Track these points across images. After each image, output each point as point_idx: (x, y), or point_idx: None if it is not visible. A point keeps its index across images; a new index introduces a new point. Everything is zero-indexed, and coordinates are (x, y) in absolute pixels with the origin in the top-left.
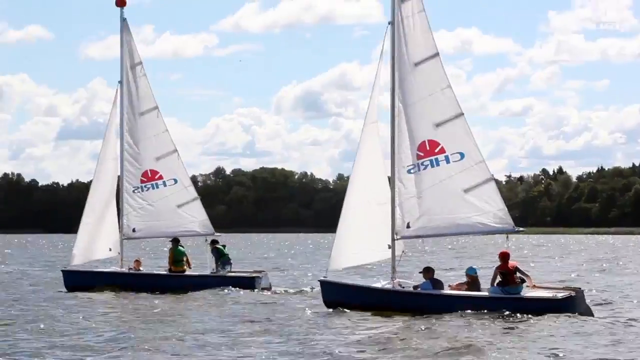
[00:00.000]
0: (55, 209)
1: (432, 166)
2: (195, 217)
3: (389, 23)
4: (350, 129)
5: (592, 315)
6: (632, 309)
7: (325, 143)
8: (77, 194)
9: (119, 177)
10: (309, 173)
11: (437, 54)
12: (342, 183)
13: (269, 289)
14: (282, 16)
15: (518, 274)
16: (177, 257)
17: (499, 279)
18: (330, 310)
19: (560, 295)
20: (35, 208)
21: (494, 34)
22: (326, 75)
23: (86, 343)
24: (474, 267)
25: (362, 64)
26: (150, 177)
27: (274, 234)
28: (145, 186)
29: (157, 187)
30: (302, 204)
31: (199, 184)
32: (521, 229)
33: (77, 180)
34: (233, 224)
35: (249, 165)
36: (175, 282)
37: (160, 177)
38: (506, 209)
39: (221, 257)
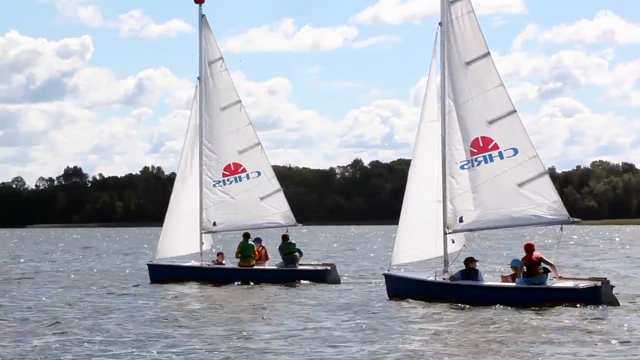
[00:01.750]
0: None
1: (486, 162)
2: (278, 209)
3: (439, 24)
4: None
5: (618, 304)
6: None
7: None
8: None
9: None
10: None
11: (488, 54)
12: None
13: (337, 282)
14: (422, 7)
15: (542, 265)
16: (245, 252)
17: (524, 270)
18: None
19: (582, 285)
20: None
21: (637, 23)
22: None
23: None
24: (517, 259)
25: (501, 55)
26: (233, 171)
27: None
28: (227, 180)
29: (240, 180)
30: None
31: (337, 176)
32: (576, 219)
33: None
34: (370, 215)
35: (387, 157)
36: (255, 275)
37: (244, 170)
38: (561, 200)
39: (286, 254)
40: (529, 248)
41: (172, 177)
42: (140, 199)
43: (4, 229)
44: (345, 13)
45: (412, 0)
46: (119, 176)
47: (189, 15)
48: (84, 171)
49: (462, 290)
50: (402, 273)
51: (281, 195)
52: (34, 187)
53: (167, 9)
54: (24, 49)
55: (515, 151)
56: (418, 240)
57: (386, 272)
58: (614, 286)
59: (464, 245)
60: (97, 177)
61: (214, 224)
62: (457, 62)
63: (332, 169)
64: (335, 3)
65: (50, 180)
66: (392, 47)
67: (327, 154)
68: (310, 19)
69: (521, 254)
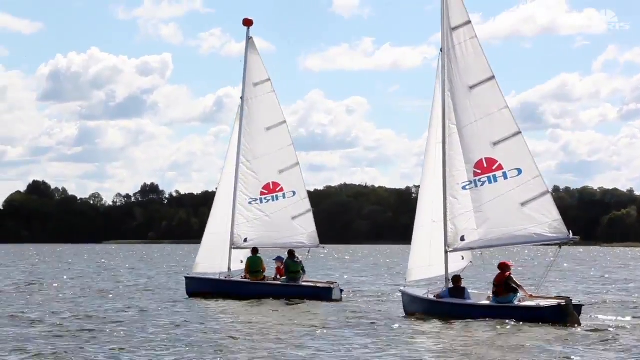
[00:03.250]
0: None
1: (490, 182)
2: (305, 230)
3: (440, 50)
4: (568, 140)
5: (579, 324)
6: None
7: (543, 155)
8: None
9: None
10: None
11: (492, 77)
12: (558, 195)
13: (339, 300)
14: (502, 28)
15: (512, 284)
16: (253, 267)
17: (493, 289)
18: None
19: (544, 303)
20: None
21: None
22: (545, 86)
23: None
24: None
25: (582, 75)
26: (271, 189)
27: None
28: (265, 198)
29: (277, 199)
30: None
31: (413, 195)
32: (576, 237)
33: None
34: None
35: None
36: (260, 290)
37: (281, 190)
38: (561, 219)
39: (290, 272)
40: (501, 267)
41: None
42: None
43: (80, 244)
44: (425, 32)
45: (492, 20)
46: (195, 193)
47: (269, 33)
48: (161, 188)
49: (444, 307)
50: (410, 290)
51: (310, 216)
52: (111, 204)
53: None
54: (105, 66)
55: (520, 171)
56: (428, 257)
57: (401, 289)
58: (582, 305)
59: (470, 262)
60: (174, 194)
61: (245, 240)
62: (460, 87)
63: (408, 188)
64: (415, 22)
65: (127, 196)
66: None
67: (403, 173)
68: (390, 37)
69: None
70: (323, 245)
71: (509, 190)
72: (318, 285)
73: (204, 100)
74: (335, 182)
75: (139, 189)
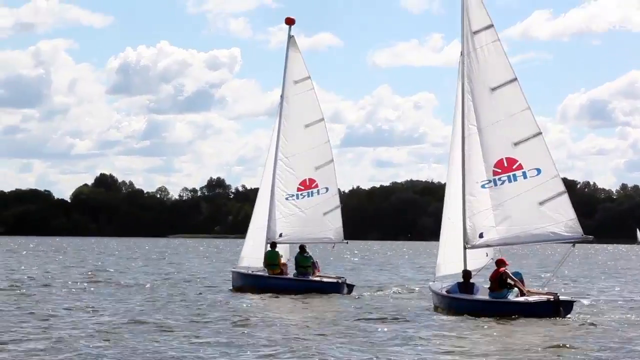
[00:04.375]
0: None
1: (510, 181)
2: (333, 225)
3: (460, 54)
4: (637, 138)
5: (563, 317)
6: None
7: (611, 152)
8: (358, 200)
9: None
10: (591, 183)
11: (515, 79)
12: (625, 193)
13: (348, 294)
14: (572, 24)
15: (508, 280)
16: (270, 260)
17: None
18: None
19: (533, 299)
20: None
21: None
22: (615, 83)
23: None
24: (517, 271)
25: None
26: (307, 186)
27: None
28: (301, 194)
29: (312, 195)
30: (584, 214)
31: None
32: (590, 237)
33: (358, 187)
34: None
35: None
36: (297, 285)
37: (316, 186)
38: (576, 218)
39: (300, 266)
40: (497, 263)
41: None
42: None
43: (147, 238)
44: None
45: (562, 17)
46: None
47: (338, 29)
48: (227, 182)
49: (446, 300)
50: (435, 285)
51: (338, 212)
52: (177, 197)
53: (315, 22)
54: (174, 60)
55: (539, 171)
56: (454, 253)
57: (430, 283)
58: (574, 301)
59: (492, 258)
60: (240, 189)
61: (280, 235)
62: (481, 88)
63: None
64: None
65: (194, 190)
66: (541, 63)
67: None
68: (460, 33)
69: (531, 269)
70: (346, 241)
71: (528, 190)
72: (324, 280)
73: (271, 94)
74: (401, 179)
75: (206, 183)
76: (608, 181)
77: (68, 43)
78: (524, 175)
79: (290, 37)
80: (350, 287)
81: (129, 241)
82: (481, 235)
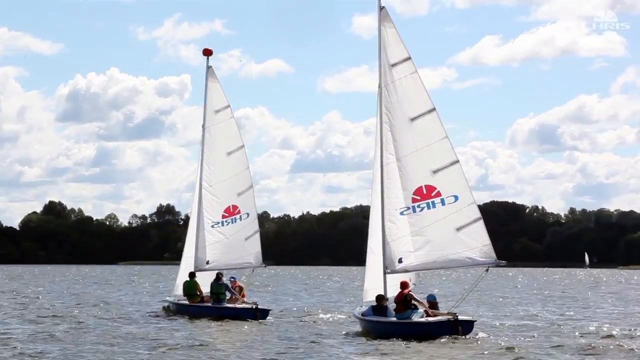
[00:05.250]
0: (285, 241)
1: (429, 208)
2: (253, 250)
3: (378, 86)
4: (585, 162)
5: (460, 335)
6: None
7: (560, 177)
8: (308, 225)
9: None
10: (540, 207)
11: (433, 109)
12: (574, 217)
13: (262, 319)
14: (521, 49)
15: (412, 301)
16: (187, 291)
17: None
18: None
19: (433, 319)
20: (265, 240)
21: None
22: (563, 108)
23: None
24: (432, 294)
25: (601, 97)
26: (231, 212)
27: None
28: (225, 221)
29: (235, 222)
30: (533, 238)
31: None
32: (502, 262)
33: (308, 212)
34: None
35: (481, 198)
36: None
37: (239, 212)
38: (491, 244)
39: (212, 294)
40: (401, 285)
41: (264, 215)
42: None
43: (97, 265)
44: (445, 53)
45: (511, 42)
46: None
47: (289, 55)
48: (177, 209)
49: (364, 323)
50: (358, 310)
51: (257, 236)
52: (127, 224)
53: (266, 48)
54: (124, 87)
55: (456, 198)
56: (379, 279)
57: (357, 309)
58: (474, 321)
59: (414, 284)
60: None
61: (207, 262)
62: (400, 119)
63: None
64: (435, 44)
65: (144, 217)
66: (490, 88)
67: None
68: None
69: (448, 292)
70: (264, 264)
71: (446, 216)
72: (237, 306)
73: None
74: (351, 204)
75: (155, 210)
76: (557, 205)
77: (17, 70)
78: (442, 202)
79: (208, 68)
80: (265, 313)
81: (74, 269)
82: (400, 261)
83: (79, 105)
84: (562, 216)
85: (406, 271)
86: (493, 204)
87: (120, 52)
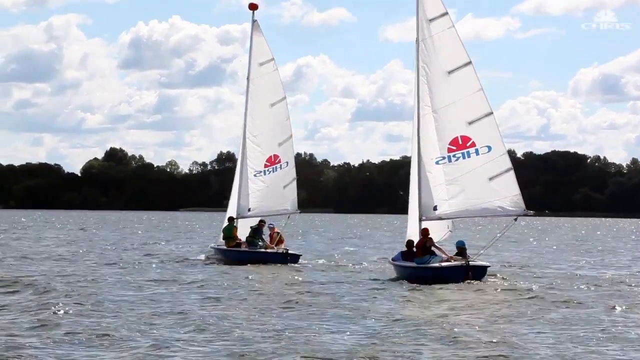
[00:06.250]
0: (345, 189)
1: (464, 158)
2: (291, 197)
3: (415, 41)
4: None
5: (471, 280)
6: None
7: (623, 127)
8: (368, 174)
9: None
10: (601, 157)
11: (469, 62)
12: (636, 168)
13: (294, 263)
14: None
15: (432, 247)
16: (225, 235)
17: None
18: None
19: (446, 264)
20: (325, 188)
21: None
22: (627, 58)
23: None
24: (462, 240)
25: None
26: (273, 162)
27: (568, 218)
28: (267, 170)
29: (275, 171)
30: (594, 188)
31: None
32: (530, 212)
33: (368, 160)
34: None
35: (542, 148)
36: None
37: (279, 161)
38: (520, 194)
39: (247, 238)
40: (422, 232)
41: (324, 163)
42: None
43: (158, 211)
44: (507, 3)
45: None
46: None
47: (351, 3)
48: (237, 157)
49: (395, 268)
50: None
51: (294, 184)
52: (187, 171)
53: None
54: (185, 35)
55: (489, 148)
56: (416, 226)
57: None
58: (486, 266)
59: (450, 230)
60: None
61: (249, 210)
62: (437, 72)
63: None
64: None
65: (204, 164)
66: (553, 37)
67: None
68: (473, 8)
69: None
70: (299, 211)
71: (480, 166)
72: (268, 251)
73: (283, 69)
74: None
75: (216, 157)
76: (619, 155)
77: (80, 18)
78: (477, 152)
79: (254, 22)
80: (295, 257)
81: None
82: (435, 208)
83: (141, 52)
84: (624, 166)
85: (440, 219)
86: (554, 153)
87: (182, 0)
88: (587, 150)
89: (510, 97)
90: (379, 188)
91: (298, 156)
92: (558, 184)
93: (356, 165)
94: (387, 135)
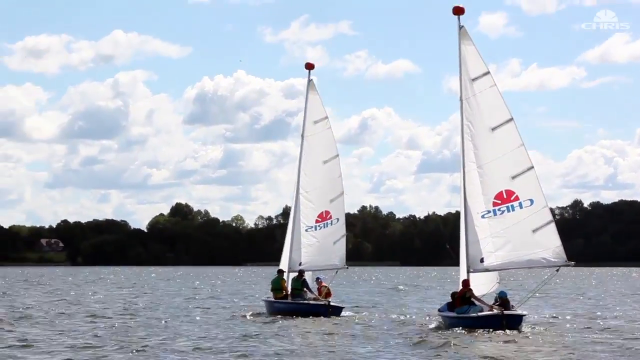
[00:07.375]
0: (411, 241)
1: (509, 211)
2: (340, 253)
3: (459, 99)
4: None
5: (505, 330)
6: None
7: None
8: (434, 226)
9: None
10: None
11: (511, 119)
12: None
13: (336, 316)
14: None
15: (471, 298)
16: (274, 285)
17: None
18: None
19: (482, 314)
20: (391, 240)
21: None
22: None
23: None
24: (503, 290)
25: None
26: (324, 217)
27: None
28: (318, 225)
29: (326, 227)
30: None
31: (557, 216)
32: (571, 262)
33: (434, 212)
34: (591, 257)
35: (609, 197)
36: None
37: (330, 217)
38: (562, 246)
39: (292, 289)
40: (463, 284)
41: (390, 216)
42: (357, 238)
43: (222, 266)
44: (573, 52)
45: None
46: None
47: (415, 55)
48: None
49: (441, 318)
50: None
51: (344, 240)
52: (253, 226)
53: (393, 49)
54: (250, 89)
55: (532, 202)
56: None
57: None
58: (522, 315)
59: (498, 282)
60: None
61: (300, 264)
62: (481, 129)
63: (551, 210)
64: (563, 42)
65: (269, 218)
66: (620, 86)
67: (548, 195)
68: (537, 57)
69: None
70: (347, 266)
71: (524, 219)
72: (311, 302)
73: (348, 122)
74: None
75: (281, 211)
76: None
77: (146, 74)
78: (520, 206)
79: (309, 81)
80: (337, 310)
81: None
82: (482, 260)
83: (206, 107)
84: None
85: (487, 270)
86: (622, 203)
87: (247, 54)
88: None
89: (576, 147)
90: (445, 240)
91: (363, 209)
92: (626, 233)
93: (422, 217)
94: (453, 187)
